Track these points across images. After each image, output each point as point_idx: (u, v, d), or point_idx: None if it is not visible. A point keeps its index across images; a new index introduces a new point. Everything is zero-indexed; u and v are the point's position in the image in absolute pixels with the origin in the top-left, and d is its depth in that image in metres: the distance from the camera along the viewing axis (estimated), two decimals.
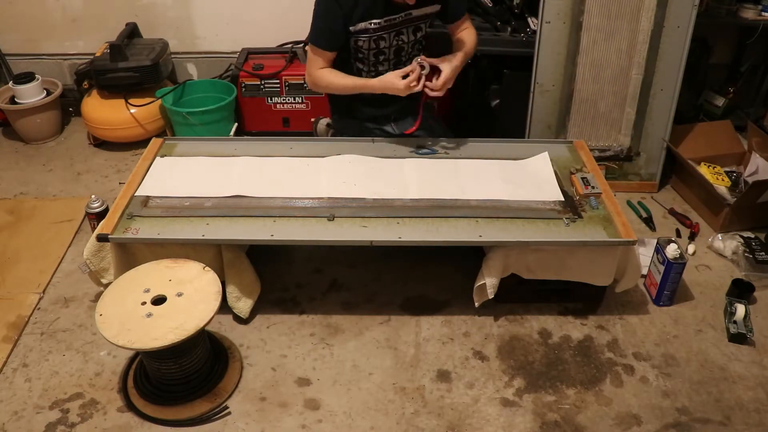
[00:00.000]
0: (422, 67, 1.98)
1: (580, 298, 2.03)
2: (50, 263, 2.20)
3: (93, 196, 2.25)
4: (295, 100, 2.88)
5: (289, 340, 1.91)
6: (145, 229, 1.81)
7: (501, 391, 1.76)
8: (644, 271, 2.10)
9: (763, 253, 2.21)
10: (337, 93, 2.16)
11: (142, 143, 2.80)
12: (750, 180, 2.45)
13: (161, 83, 2.97)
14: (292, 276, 2.15)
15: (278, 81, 2.84)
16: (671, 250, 1.95)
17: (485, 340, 1.92)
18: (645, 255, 2.11)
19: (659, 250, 2.01)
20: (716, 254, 2.28)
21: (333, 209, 1.88)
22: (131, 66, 2.81)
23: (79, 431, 1.65)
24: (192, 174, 2.04)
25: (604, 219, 1.88)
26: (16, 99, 2.94)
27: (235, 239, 1.81)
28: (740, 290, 2.03)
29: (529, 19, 2.54)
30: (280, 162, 2.11)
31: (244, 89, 2.87)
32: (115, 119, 2.87)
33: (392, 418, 1.69)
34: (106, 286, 1.77)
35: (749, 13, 2.65)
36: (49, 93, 2.98)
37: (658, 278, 2.02)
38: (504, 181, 2.03)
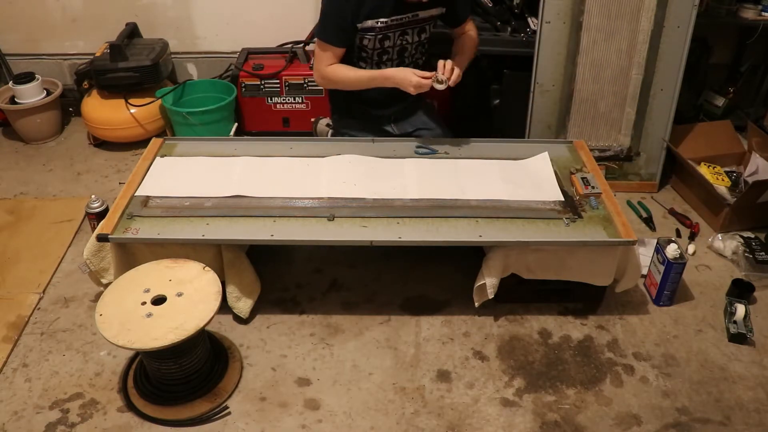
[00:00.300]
0: (439, 82, 1.98)
1: (580, 298, 2.03)
2: (50, 263, 2.20)
3: (93, 196, 2.25)
4: (295, 100, 2.88)
5: (289, 340, 1.91)
6: (145, 229, 1.81)
7: (501, 391, 1.76)
8: (644, 271, 2.10)
9: (763, 253, 2.21)
10: (350, 87, 2.14)
11: (142, 143, 2.80)
12: (750, 180, 2.45)
13: (161, 83, 2.97)
14: (292, 276, 2.15)
15: (278, 81, 2.84)
16: (671, 250, 1.95)
17: (485, 340, 1.92)
18: (645, 255, 2.11)
19: (659, 250, 2.01)
20: (716, 254, 2.28)
21: (333, 209, 1.88)
22: (131, 66, 2.81)
23: (79, 431, 1.65)
24: (192, 174, 2.04)
25: (604, 219, 1.88)
26: (16, 99, 2.94)
27: (235, 239, 1.81)
28: (740, 290, 2.03)
29: (529, 19, 2.54)
30: (280, 162, 2.11)
31: (244, 89, 2.87)
32: (115, 119, 2.87)
33: (392, 418, 1.69)
34: (106, 286, 1.77)
35: (749, 13, 2.65)
36: (49, 93, 2.98)
37: (658, 278, 2.02)
38: (504, 181, 2.03)
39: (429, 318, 2.00)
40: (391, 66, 2.12)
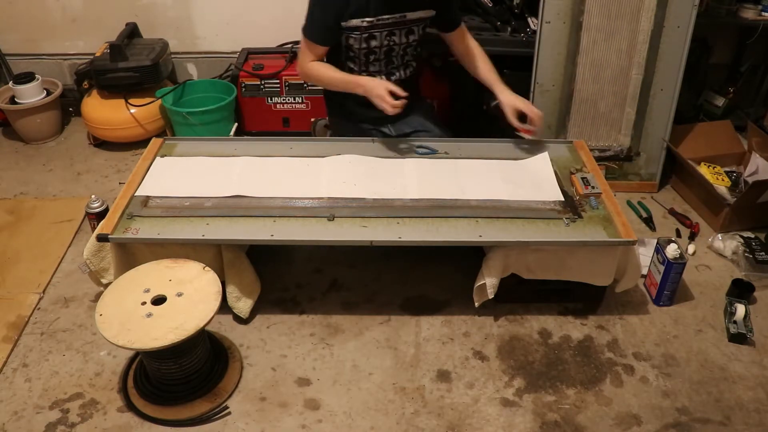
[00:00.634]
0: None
1: (580, 298, 2.03)
2: (50, 263, 2.20)
3: (93, 196, 2.25)
4: (295, 100, 2.88)
5: (289, 340, 1.91)
6: (145, 229, 1.81)
7: (501, 391, 1.76)
8: (644, 271, 2.10)
9: (763, 253, 2.21)
10: (327, 87, 2.17)
11: (142, 143, 2.80)
12: (750, 180, 2.45)
13: (161, 83, 2.97)
14: (292, 276, 2.15)
15: (278, 81, 2.84)
16: (671, 250, 1.95)
17: (485, 340, 1.92)
18: (645, 255, 2.11)
19: (659, 250, 2.01)
20: (716, 254, 2.28)
21: (333, 209, 1.88)
22: (131, 66, 2.81)
23: (79, 431, 1.65)
24: (192, 174, 2.04)
25: (604, 219, 1.88)
26: (16, 99, 2.94)
27: (235, 239, 1.81)
28: (740, 290, 2.03)
29: (529, 19, 2.54)
30: (280, 162, 2.11)
31: (244, 89, 2.87)
32: (115, 119, 2.87)
33: (392, 418, 1.69)
34: (106, 286, 1.77)
35: (749, 13, 2.65)
36: (49, 93, 2.98)
37: (658, 278, 2.02)
38: (504, 181, 2.03)
39: (429, 318, 2.00)
40: (379, 67, 2.13)
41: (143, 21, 3.07)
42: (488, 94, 2.65)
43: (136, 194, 1.95)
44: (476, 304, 1.94)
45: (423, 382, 1.79)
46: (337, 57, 2.13)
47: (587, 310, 2.03)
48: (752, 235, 2.31)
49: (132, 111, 2.86)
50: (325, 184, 1.99)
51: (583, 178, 2.03)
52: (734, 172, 2.61)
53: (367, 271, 2.17)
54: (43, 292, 2.09)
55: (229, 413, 1.69)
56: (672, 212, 2.51)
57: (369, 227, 1.82)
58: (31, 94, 2.92)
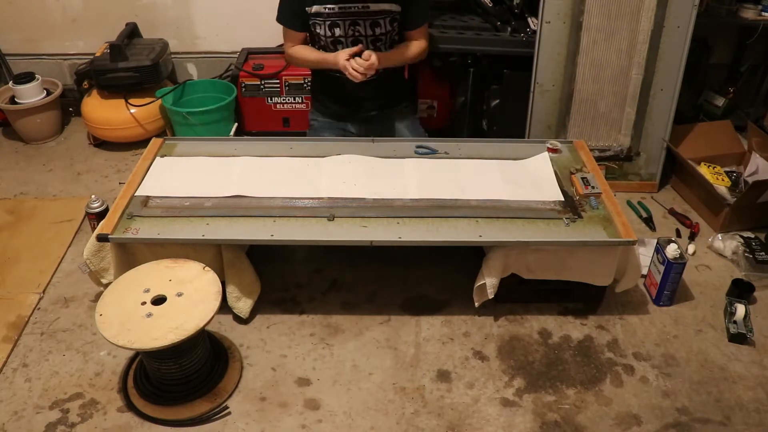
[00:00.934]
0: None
1: (580, 298, 2.03)
2: (50, 263, 2.20)
3: (93, 196, 2.25)
4: (295, 100, 2.88)
5: (289, 340, 1.91)
6: (145, 229, 1.81)
7: (501, 391, 1.76)
8: (644, 271, 2.10)
9: (763, 253, 2.21)
10: (306, 66, 2.33)
11: (142, 143, 2.80)
12: (750, 180, 2.45)
13: (161, 83, 2.97)
14: (292, 276, 2.15)
15: (278, 81, 2.84)
16: (671, 250, 1.95)
17: (485, 340, 1.92)
18: (645, 255, 2.11)
19: (659, 250, 2.01)
20: (716, 254, 2.28)
21: (333, 209, 1.88)
22: (131, 66, 2.81)
23: (79, 431, 1.65)
24: (192, 174, 2.04)
25: (604, 219, 1.88)
26: (16, 99, 2.94)
27: (235, 239, 1.81)
28: (740, 290, 2.03)
29: (529, 19, 2.54)
30: (280, 162, 2.11)
31: (244, 89, 2.87)
32: (115, 119, 2.87)
33: (392, 418, 1.69)
34: (106, 286, 1.77)
35: (749, 13, 2.65)
36: (49, 93, 2.98)
37: (658, 278, 2.02)
38: (504, 181, 2.03)
39: (429, 318, 2.00)
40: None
41: (143, 21, 3.07)
42: (488, 93, 2.67)
43: (136, 194, 1.95)
44: (476, 304, 1.94)
45: (423, 382, 1.79)
46: (314, 46, 2.24)
47: (587, 310, 2.03)
48: (752, 235, 2.31)
49: (132, 111, 2.86)
50: (325, 184, 1.99)
51: (583, 178, 2.03)
52: (734, 172, 2.61)
53: (367, 271, 2.17)
54: (43, 292, 2.09)
55: (229, 413, 1.69)
56: (672, 212, 2.51)
57: (369, 227, 1.82)
58: (31, 94, 2.92)
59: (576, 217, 1.88)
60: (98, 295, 1.82)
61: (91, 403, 1.72)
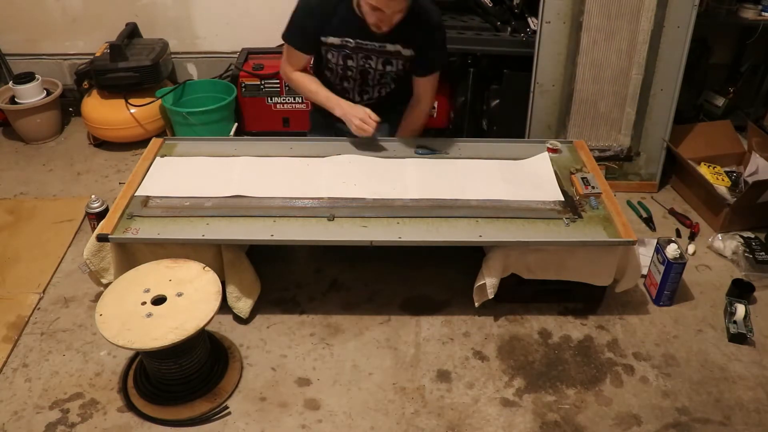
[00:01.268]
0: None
1: (580, 298, 2.03)
2: (50, 263, 2.20)
3: (93, 196, 2.25)
4: (295, 100, 2.88)
5: (289, 340, 1.91)
6: (145, 229, 1.81)
7: (501, 391, 1.76)
8: (644, 271, 2.10)
9: (763, 253, 2.21)
10: (305, 98, 2.26)
11: (142, 143, 2.80)
12: (750, 180, 2.45)
13: (161, 83, 2.97)
14: (292, 276, 2.15)
15: (278, 81, 2.84)
16: (671, 250, 1.95)
17: (485, 340, 1.92)
18: (645, 255, 2.11)
19: (659, 250, 2.01)
20: (716, 254, 2.28)
21: (333, 209, 1.88)
22: (131, 66, 2.81)
23: (79, 431, 1.65)
24: (192, 174, 2.04)
25: (604, 219, 1.88)
26: (16, 99, 2.94)
27: (235, 239, 1.81)
28: (740, 290, 2.03)
29: (529, 19, 2.54)
30: (280, 162, 2.11)
31: (244, 89, 2.87)
32: (115, 119, 2.87)
33: (392, 418, 1.69)
34: (106, 286, 1.77)
35: (749, 13, 2.65)
36: (49, 93, 2.98)
37: (658, 278, 2.02)
38: (504, 181, 2.03)
39: (429, 318, 2.00)
40: (353, 84, 2.14)
41: (143, 21, 3.07)
42: (488, 93, 2.67)
43: (136, 194, 1.95)
44: (476, 304, 1.94)
45: (423, 382, 1.79)
46: (317, 64, 2.17)
47: (587, 310, 2.03)
48: (752, 235, 2.31)
49: (132, 111, 2.86)
50: (325, 184, 1.99)
51: (583, 178, 2.03)
52: (734, 172, 2.61)
53: (367, 271, 2.17)
54: (43, 292, 2.09)
55: (229, 413, 1.69)
56: (672, 212, 2.51)
57: (369, 227, 1.82)
58: (31, 94, 2.92)
59: (576, 217, 1.88)
60: (98, 295, 1.82)
61: (91, 403, 1.72)
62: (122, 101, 2.85)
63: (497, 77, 2.59)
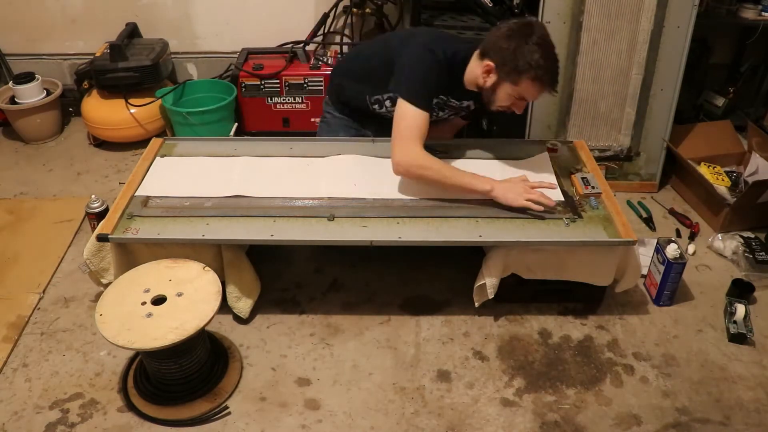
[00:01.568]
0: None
1: (580, 298, 2.03)
2: (50, 263, 2.20)
3: (93, 196, 2.25)
4: (295, 100, 2.88)
5: (289, 340, 1.91)
6: (145, 229, 1.81)
7: (501, 391, 1.76)
8: (644, 271, 2.10)
9: (763, 253, 2.21)
10: (440, 185, 1.88)
11: (142, 143, 2.80)
12: (750, 180, 2.45)
13: (161, 83, 2.97)
14: (292, 276, 2.15)
15: (278, 81, 2.84)
16: (671, 250, 1.95)
17: (485, 340, 1.92)
18: (645, 255, 2.11)
19: (659, 250, 2.01)
20: (716, 254, 2.28)
21: (333, 209, 1.88)
22: (131, 66, 2.81)
23: (79, 431, 1.65)
24: (192, 174, 2.04)
25: (604, 219, 1.88)
26: (16, 99, 2.94)
27: (235, 239, 1.81)
28: (740, 290, 2.03)
29: None
30: (280, 162, 2.11)
31: (244, 89, 2.87)
32: (115, 119, 2.87)
33: (392, 418, 1.69)
34: (106, 286, 1.77)
35: (749, 13, 2.65)
36: (49, 93, 2.98)
37: (658, 278, 2.02)
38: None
39: (429, 318, 2.00)
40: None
41: (143, 21, 3.07)
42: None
43: (136, 194, 1.95)
44: (476, 304, 1.94)
45: (423, 382, 1.79)
46: (362, 110, 2.15)
47: (587, 310, 2.03)
48: (752, 235, 2.31)
49: (132, 111, 2.86)
50: (325, 184, 1.99)
51: (583, 178, 2.03)
52: (734, 172, 2.61)
53: (367, 271, 2.17)
54: (43, 292, 2.09)
55: (229, 413, 1.69)
56: (672, 212, 2.51)
57: (369, 227, 1.82)
58: (31, 94, 2.92)
59: (576, 217, 1.88)
60: (98, 295, 1.82)
61: (91, 403, 1.72)
62: (122, 101, 2.85)
63: None
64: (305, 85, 2.83)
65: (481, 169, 2.08)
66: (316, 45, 2.99)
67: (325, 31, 3.02)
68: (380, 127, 2.22)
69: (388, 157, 2.12)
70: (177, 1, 3.05)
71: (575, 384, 1.79)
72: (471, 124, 2.73)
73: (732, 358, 1.87)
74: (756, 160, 2.54)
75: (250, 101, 2.90)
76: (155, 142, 2.21)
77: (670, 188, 2.68)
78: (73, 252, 2.26)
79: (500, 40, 1.79)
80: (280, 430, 1.66)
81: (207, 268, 1.70)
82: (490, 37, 1.84)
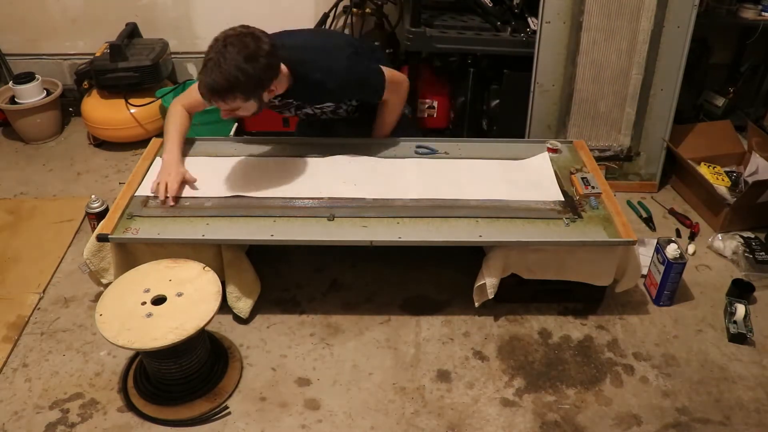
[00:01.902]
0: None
1: (580, 298, 2.03)
2: (50, 263, 2.20)
3: (93, 196, 2.25)
4: None
5: (289, 340, 1.91)
6: (145, 229, 1.81)
7: (501, 391, 1.76)
8: (644, 271, 2.10)
9: (763, 253, 2.21)
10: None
11: (142, 143, 2.80)
12: (750, 180, 2.45)
13: (161, 83, 2.97)
14: (292, 276, 2.15)
15: None
16: (671, 250, 1.95)
17: (485, 340, 1.92)
18: (645, 255, 2.11)
19: (659, 250, 2.01)
20: (716, 254, 2.28)
21: (333, 209, 1.88)
22: (131, 66, 2.81)
23: (79, 431, 1.65)
24: (192, 174, 2.04)
25: (604, 219, 1.88)
26: (16, 99, 2.94)
27: (235, 239, 1.81)
28: (740, 290, 2.03)
29: (529, 19, 2.54)
30: (280, 162, 2.11)
31: None
32: (115, 119, 2.87)
33: (392, 418, 1.69)
34: (106, 286, 1.77)
35: (749, 13, 2.65)
36: (49, 93, 2.98)
37: (658, 278, 2.02)
38: (504, 181, 2.03)
39: (429, 318, 2.00)
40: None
41: (143, 21, 3.06)
42: (488, 93, 2.67)
43: (136, 194, 1.95)
44: (476, 304, 1.94)
45: (423, 382, 1.79)
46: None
47: (587, 310, 2.03)
48: (752, 235, 2.31)
49: (132, 111, 2.86)
50: (325, 184, 1.99)
51: (583, 178, 2.03)
52: (734, 172, 2.61)
53: (367, 271, 2.17)
54: (43, 292, 2.09)
55: (229, 413, 1.69)
56: (672, 212, 2.51)
57: (369, 227, 1.82)
58: (31, 94, 2.92)
59: (576, 217, 1.88)
60: (98, 295, 1.82)
61: (91, 403, 1.72)
62: (122, 101, 2.85)
63: (497, 77, 2.58)
64: None
65: (481, 169, 2.09)
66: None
67: None
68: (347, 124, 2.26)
69: (388, 157, 2.13)
70: (177, 1, 3.05)
71: (575, 384, 1.79)
72: (471, 125, 2.74)
73: (732, 358, 1.87)
74: (756, 160, 2.54)
75: None
76: (155, 142, 2.21)
77: (670, 188, 2.68)
78: (73, 252, 2.26)
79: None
80: (280, 430, 1.66)
81: (207, 268, 1.70)
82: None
